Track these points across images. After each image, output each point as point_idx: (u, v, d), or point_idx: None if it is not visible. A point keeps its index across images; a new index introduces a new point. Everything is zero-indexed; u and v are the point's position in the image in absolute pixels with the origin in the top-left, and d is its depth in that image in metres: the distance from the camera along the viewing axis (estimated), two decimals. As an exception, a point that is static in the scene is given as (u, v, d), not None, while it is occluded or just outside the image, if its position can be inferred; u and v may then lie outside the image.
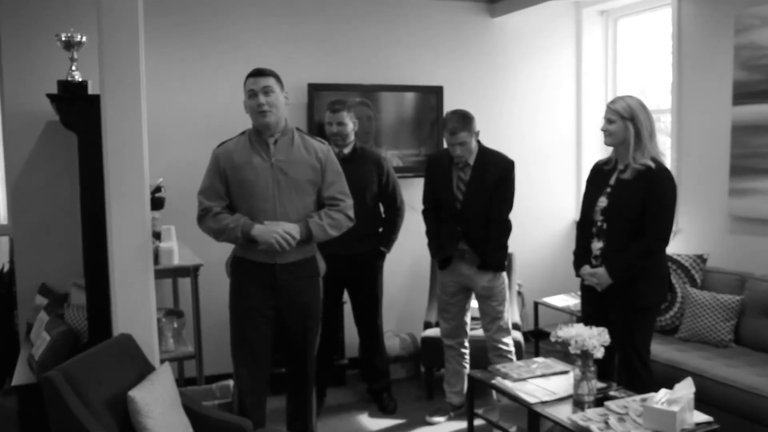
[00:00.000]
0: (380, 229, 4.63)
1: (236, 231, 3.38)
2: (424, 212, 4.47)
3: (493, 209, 4.20)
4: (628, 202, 3.57)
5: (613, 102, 3.66)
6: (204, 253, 4.32)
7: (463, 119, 4.12)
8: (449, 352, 4.49)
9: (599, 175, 3.78)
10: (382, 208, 4.66)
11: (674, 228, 5.07)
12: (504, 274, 4.32)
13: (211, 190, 3.48)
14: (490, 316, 4.32)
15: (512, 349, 4.37)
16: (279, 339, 3.65)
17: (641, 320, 3.63)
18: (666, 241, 3.60)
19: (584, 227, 3.80)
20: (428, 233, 4.44)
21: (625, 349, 3.60)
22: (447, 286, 4.37)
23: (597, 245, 3.69)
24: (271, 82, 3.45)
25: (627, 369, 3.63)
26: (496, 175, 4.18)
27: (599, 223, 3.68)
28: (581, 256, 3.81)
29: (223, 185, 3.48)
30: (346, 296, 4.84)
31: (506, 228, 4.25)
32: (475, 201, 4.17)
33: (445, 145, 4.38)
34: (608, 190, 3.67)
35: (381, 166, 4.56)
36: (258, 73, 3.47)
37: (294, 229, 3.39)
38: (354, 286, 4.65)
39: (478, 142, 4.25)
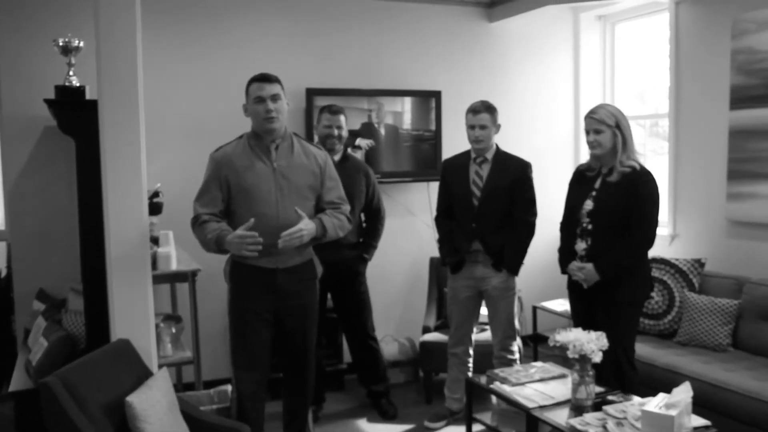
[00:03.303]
0: (361, 239, 4.61)
1: (211, 242, 3.35)
2: (437, 218, 4.46)
3: (519, 210, 4.21)
4: (615, 204, 3.65)
5: (594, 112, 3.71)
6: (202, 258, 4.30)
7: (488, 105, 4.21)
8: (453, 360, 4.47)
9: (583, 179, 3.87)
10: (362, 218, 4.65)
11: (672, 232, 5.12)
12: (516, 278, 4.31)
13: (207, 196, 3.46)
14: (500, 321, 4.31)
15: (517, 356, 4.37)
16: (278, 343, 3.65)
17: (625, 316, 3.69)
18: (652, 241, 3.68)
19: (567, 228, 3.89)
20: (440, 239, 4.43)
21: (610, 346, 3.61)
22: (459, 291, 4.34)
23: (581, 245, 3.77)
24: (278, 89, 3.46)
25: (612, 366, 3.64)
26: (514, 174, 4.21)
27: (584, 225, 3.76)
28: (566, 254, 3.88)
29: (223, 191, 3.45)
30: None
31: (531, 231, 4.26)
32: (492, 197, 4.18)
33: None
34: (593, 193, 3.75)
35: (368, 177, 4.56)
36: (265, 78, 3.46)
37: (310, 226, 3.39)
38: (338, 293, 4.60)
39: (496, 145, 4.27)
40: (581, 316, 3.79)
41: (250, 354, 3.56)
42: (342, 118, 4.46)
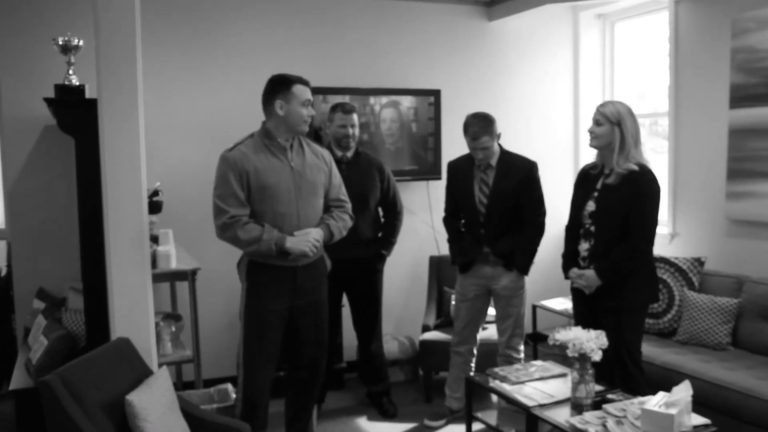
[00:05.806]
0: (380, 234, 4.62)
1: (270, 243, 3.36)
2: (445, 219, 4.46)
3: (527, 211, 4.18)
4: (615, 205, 3.63)
5: (602, 105, 3.71)
6: (202, 257, 4.32)
7: (485, 122, 4.09)
8: (456, 358, 4.45)
9: (586, 179, 3.84)
10: (381, 213, 4.66)
11: (672, 231, 5.12)
12: (525, 277, 4.29)
13: (231, 196, 3.38)
14: (508, 319, 4.29)
15: (522, 356, 4.34)
16: (289, 341, 3.65)
17: (631, 320, 3.66)
18: (651, 242, 3.66)
19: (572, 230, 3.87)
20: (450, 239, 4.44)
21: (616, 350, 3.61)
22: (467, 290, 4.33)
23: (584, 246, 3.76)
24: None
25: (620, 369, 3.65)
26: (519, 176, 4.16)
27: (587, 226, 3.74)
28: (569, 258, 3.87)
29: (244, 190, 3.41)
30: (344, 299, 4.83)
31: (540, 231, 4.23)
32: (499, 203, 4.15)
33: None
34: (595, 194, 3.73)
35: (383, 171, 4.56)
36: (308, 84, 3.53)
37: (320, 235, 3.48)
38: (354, 290, 4.63)
39: (500, 145, 4.23)
40: (584, 319, 3.73)
41: (268, 355, 3.55)
42: (355, 116, 4.48)
